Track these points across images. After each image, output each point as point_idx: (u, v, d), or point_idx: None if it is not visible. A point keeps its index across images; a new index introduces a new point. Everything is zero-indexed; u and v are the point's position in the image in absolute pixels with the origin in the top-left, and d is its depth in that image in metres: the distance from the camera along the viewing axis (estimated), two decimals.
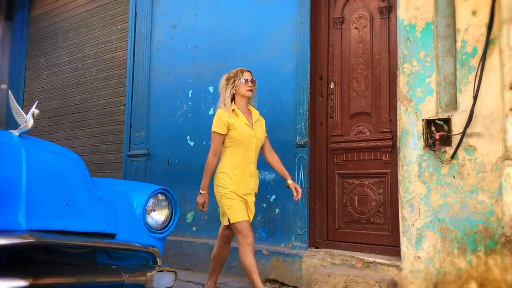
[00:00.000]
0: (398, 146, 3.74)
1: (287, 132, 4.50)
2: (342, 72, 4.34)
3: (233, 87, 3.50)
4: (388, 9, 4.09)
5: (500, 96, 3.30)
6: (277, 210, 4.53)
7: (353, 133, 4.23)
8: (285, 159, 4.42)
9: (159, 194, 2.47)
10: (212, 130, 3.45)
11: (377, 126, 4.10)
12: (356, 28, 4.28)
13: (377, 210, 4.04)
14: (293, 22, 4.57)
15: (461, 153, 3.41)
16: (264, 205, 4.60)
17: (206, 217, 5.06)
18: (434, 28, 3.63)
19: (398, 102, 3.75)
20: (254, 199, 3.54)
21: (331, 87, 4.39)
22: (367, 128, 4.16)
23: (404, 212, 3.64)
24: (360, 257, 3.90)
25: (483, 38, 3.37)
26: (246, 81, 3.52)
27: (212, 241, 4.88)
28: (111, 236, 2.10)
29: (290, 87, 4.55)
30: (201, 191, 3.46)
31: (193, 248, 5.03)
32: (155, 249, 2.24)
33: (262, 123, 3.67)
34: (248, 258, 3.32)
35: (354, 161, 4.21)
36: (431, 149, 3.52)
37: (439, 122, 3.51)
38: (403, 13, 3.78)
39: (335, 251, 4.11)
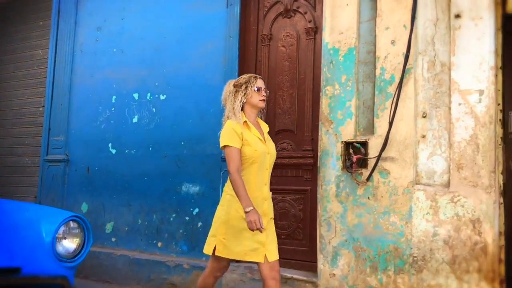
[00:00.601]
0: (318, 165, 3.85)
1: (213, 146, 4.47)
2: (269, 88, 4.31)
3: (244, 94, 2.96)
4: (315, 30, 4.19)
5: (414, 123, 3.49)
6: (199, 224, 4.50)
7: (277, 149, 4.27)
8: (210, 173, 4.44)
9: (71, 222, 2.36)
10: (225, 144, 2.85)
11: (300, 144, 4.19)
12: (283, 46, 4.35)
13: (297, 226, 4.13)
14: (222, 35, 4.56)
15: (376, 175, 3.58)
16: (187, 218, 4.56)
17: (126, 228, 4.93)
18: (356, 53, 3.77)
19: (320, 123, 3.87)
20: (268, 220, 2.94)
21: None
22: (291, 145, 4.24)
23: (322, 230, 3.76)
24: None
25: (400, 67, 3.56)
26: (259, 89, 2.99)
27: (132, 253, 4.78)
28: (16, 270, 1.97)
29: (218, 100, 4.46)
30: (247, 209, 2.71)
31: (112, 260, 4.87)
32: (65, 280, 2.14)
33: (270, 138, 3.17)
34: None
35: (277, 176, 4.26)
36: (348, 171, 3.65)
37: (357, 144, 3.65)
38: (328, 36, 3.89)
39: (256, 266, 4.15)
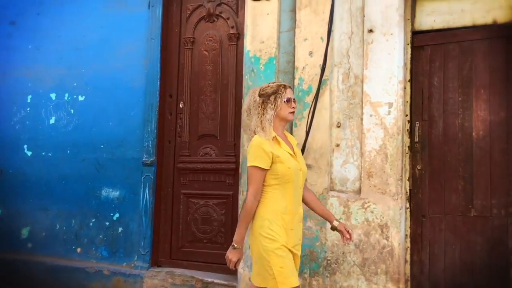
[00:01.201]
0: (240, 171, 3.92)
1: (134, 150, 4.41)
2: (192, 92, 4.38)
3: (274, 106, 2.64)
4: (237, 36, 4.23)
5: (329, 132, 3.65)
6: (120, 229, 4.43)
7: (200, 154, 4.32)
8: (131, 177, 4.37)
9: None
10: (251, 164, 2.55)
11: (222, 149, 4.23)
12: (206, 50, 4.35)
13: (219, 230, 4.19)
14: (144, 36, 4.48)
15: None
16: (107, 223, 4.47)
17: (44, 234, 4.76)
18: (276, 63, 3.86)
19: (242, 130, 3.93)
20: (300, 248, 2.73)
21: (181, 106, 4.41)
22: (214, 150, 4.27)
23: None
24: (200, 278, 4.02)
25: (317, 78, 3.69)
26: (289, 100, 2.67)
27: (49, 260, 4.63)
28: None
29: (139, 103, 4.46)
30: (235, 245, 2.53)
31: (28, 267, 4.68)
32: None
33: (300, 153, 2.90)
34: None
35: (200, 181, 4.30)
36: None
37: None
38: (249, 44, 3.95)
39: (177, 271, 4.18)
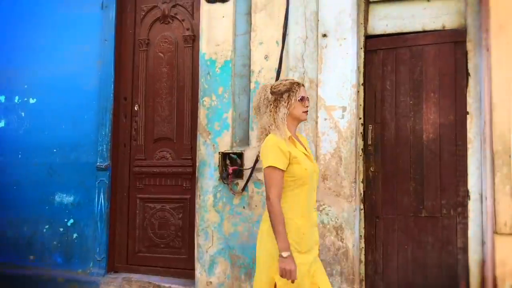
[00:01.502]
0: (196, 175, 3.90)
1: (88, 154, 4.31)
2: (147, 95, 4.31)
3: (287, 105, 2.48)
4: (193, 38, 4.18)
5: None
6: (75, 235, 4.32)
7: (156, 157, 4.26)
8: (85, 182, 4.28)
9: None
10: (269, 164, 2.36)
11: (179, 152, 4.19)
12: (161, 52, 4.29)
13: (176, 234, 4.16)
14: (97, 37, 4.37)
15: (251, 186, 3.71)
16: (61, 229, 4.36)
17: None
18: (232, 66, 3.85)
19: (198, 133, 3.90)
20: (318, 251, 2.57)
21: (136, 109, 4.33)
22: (170, 153, 4.23)
23: (199, 239, 3.82)
24: (157, 283, 3.98)
25: (273, 82, 3.68)
26: (303, 99, 2.52)
27: (1, 268, 4.46)
28: None
29: (93, 106, 4.35)
30: (283, 254, 2.26)
31: None
32: None
33: (312, 153, 2.74)
34: None
35: (156, 185, 4.25)
36: (224, 182, 3.74)
37: (233, 156, 3.75)
38: (205, 47, 3.92)
39: (134, 276, 4.12)
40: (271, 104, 2.48)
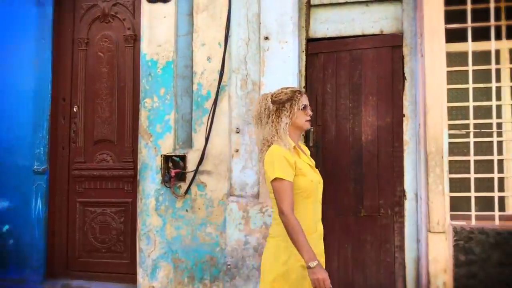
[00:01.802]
0: (138, 179, 3.82)
1: (24, 157, 4.13)
2: (86, 95, 4.18)
3: (290, 114, 2.37)
4: (134, 38, 4.09)
5: (228, 138, 3.66)
6: (10, 241, 4.13)
7: (97, 160, 4.14)
8: (22, 186, 4.12)
9: None
10: (277, 176, 2.22)
11: (120, 155, 4.10)
12: (101, 52, 4.17)
13: (118, 239, 4.06)
14: (33, 36, 4.19)
15: (193, 189, 3.68)
16: None
17: None
18: (174, 67, 3.79)
19: (140, 135, 3.82)
20: (323, 264, 2.38)
21: (74, 110, 4.20)
22: (111, 156, 4.12)
23: (141, 243, 3.75)
24: None
25: (216, 84, 3.68)
26: (305, 107, 2.41)
27: None
28: None
29: (29, 107, 4.17)
30: (311, 264, 2.11)
31: None
32: None
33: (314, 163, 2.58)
34: None
35: (97, 189, 4.14)
36: (166, 185, 3.69)
37: (176, 158, 3.70)
38: (146, 47, 3.85)
39: (74, 282, 4.01)
40: (272, 114, 2.37)
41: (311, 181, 2.31)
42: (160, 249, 3.71)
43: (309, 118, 2.43)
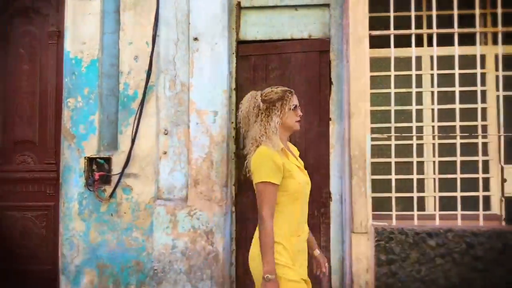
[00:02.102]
0: (60, 182, 3.66)
1: None
2: (6, 94, 3.95)
3: (280, 114, 2.29)
4: (58, 34, 3.91)
5: (156, 140, 3.59)
6: None
7: (16, 162, 3.93)
8: None
9: None
10: (262, 179, 2.16)
11: (42, 156, 3.91)
12: (23, 48, 3.95)
13: (40, 244, 3.87)
14: None
15: (119, 192, 3.58)
16: None
17: None
18: (99, 66, 3.67)
19: (62, 136, 3.67)
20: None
21: None
22: (32, 158, 3.92)
23: (64, 249, 3.61)
24: None
25: (143, 84, 3.59)
26: (296, 107, 2.34)
27: None
28: None
29: None
30: (269, 276, 2.07)
31: None
32: None
33: (303, 164, 2.51)
34: None
35: (17, 192, 3.92)
36: (90, 189, 3.56)
37: (100, 160, 3.58)
38: (69, 45, 3.70)
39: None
40: (262, 113, 2.30)
41: (299, 183, 2.27)
42: (84, 254, 3.58)
43: (299, 118, 2.38)
